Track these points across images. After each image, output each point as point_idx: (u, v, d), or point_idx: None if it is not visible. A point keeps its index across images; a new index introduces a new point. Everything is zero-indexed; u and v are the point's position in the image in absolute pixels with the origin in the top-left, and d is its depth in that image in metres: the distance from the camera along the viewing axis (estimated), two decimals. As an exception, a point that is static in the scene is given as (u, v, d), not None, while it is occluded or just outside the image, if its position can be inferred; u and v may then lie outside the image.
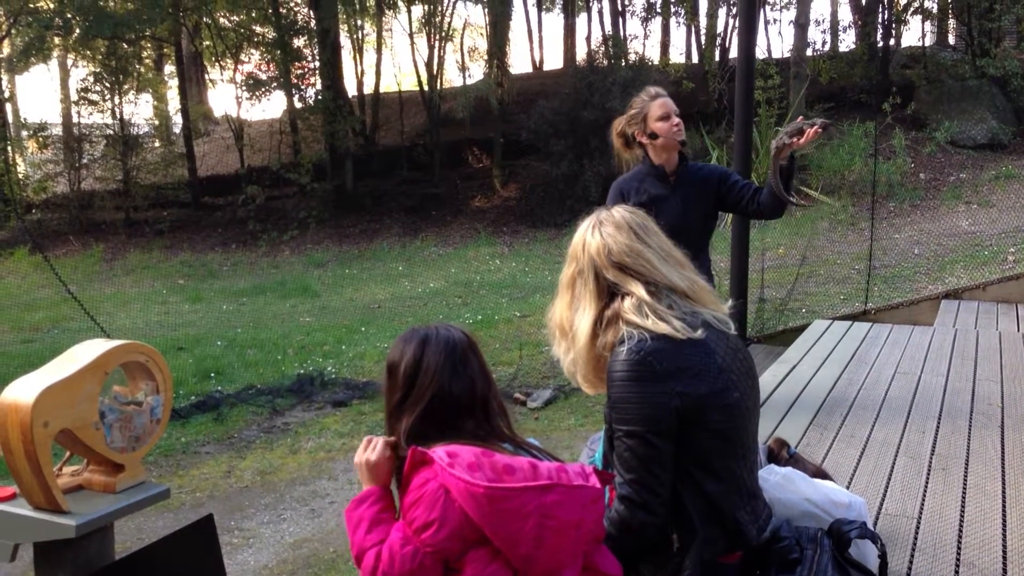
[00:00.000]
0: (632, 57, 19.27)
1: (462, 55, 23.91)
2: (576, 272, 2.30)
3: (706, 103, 18.52)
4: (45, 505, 2.34)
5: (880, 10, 18.62)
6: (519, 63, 32.85)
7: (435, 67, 20.88)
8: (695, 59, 23.08)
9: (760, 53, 18.55)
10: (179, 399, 7.58)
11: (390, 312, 11.49)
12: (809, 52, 17.92)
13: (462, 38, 23.82)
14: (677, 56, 24.08)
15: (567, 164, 16.87)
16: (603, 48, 19.56)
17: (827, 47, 19.90)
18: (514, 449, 2.00)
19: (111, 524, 2.54)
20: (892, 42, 19.13)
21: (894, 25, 19.14)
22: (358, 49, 22.43)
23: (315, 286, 14.04)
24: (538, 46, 28.71)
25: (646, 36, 22.28)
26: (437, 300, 11.93)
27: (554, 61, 30.97)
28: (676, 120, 3.95)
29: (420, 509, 1.84)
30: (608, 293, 2.24)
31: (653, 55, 22.07)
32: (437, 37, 21.16)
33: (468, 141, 20.91)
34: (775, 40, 26.59)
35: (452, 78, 25.77)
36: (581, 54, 21.44)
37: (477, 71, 24.00)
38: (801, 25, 16.54)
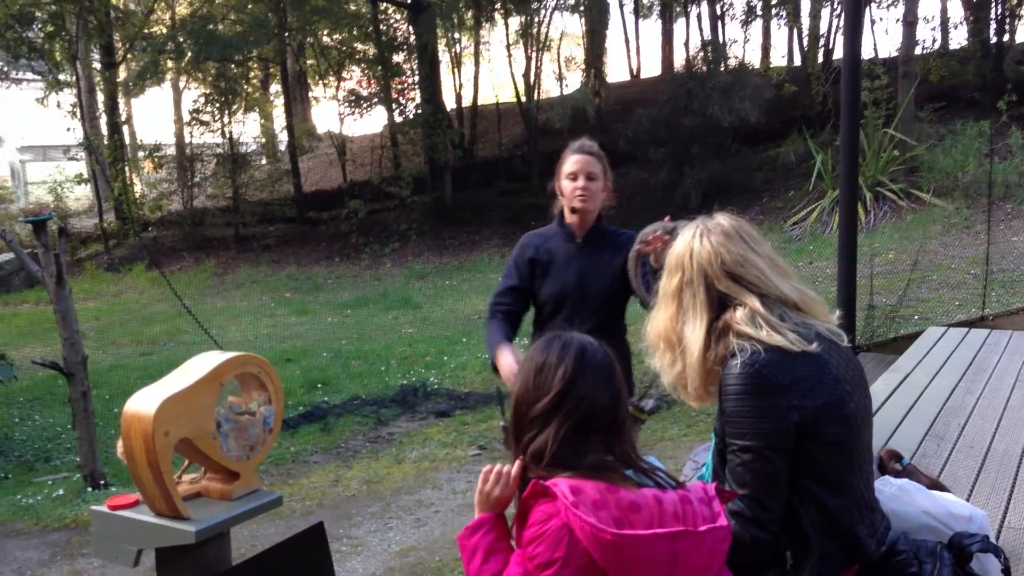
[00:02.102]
0: (732, 62, 18.98)
1: (559, 65, 23.98)
2: (684, 282, 2.22)
3: (809, 106, 18.10)
4: (166, 512, 2.43)
5: (993, 5, 17.88)
6: (616, 71, 32.73)
7: (532, 78, 20.98)
8: (797, 61, 22.59)
9: (866, 53, 18.02)
10: (288, 409, 7.78)
11: (490, 323, 11.54)
12: (918, 50, 17.32)
13: (559, 48, 23.89)
14: (779, 59, 23.62)
15: (666, 172, 16.70)
16: (702, 53, 19.32)
17: (937, 45, 19.24)
18: (636, 477, 1.91)
19: (228, 530, 2.61)
20: (1006, 38, 18.35)
21: (1008, 20, 18.36)
22: (456, 63, 22.74)
23: (416, 298, 14.23)
24: (635, 53, 28.66)
25: (746, 40, 22.11)
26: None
27: (651, 68, 30.74)
28: (581, 183, 3.41)
29: (542, 547, 1.78)
30: (719, 304, 2.18)
31: (753, 59, 21.76)
32: (534, 48, 21.27)
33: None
34: (881, 39, 25.98)
35: (549, 88, 25.88)
36: (679, 60, 21.26)
37: (574, 80, 24.05)
38: (909, 23, 16.00)
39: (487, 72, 26.33)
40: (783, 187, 16.32)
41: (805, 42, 21.72)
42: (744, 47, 21.96)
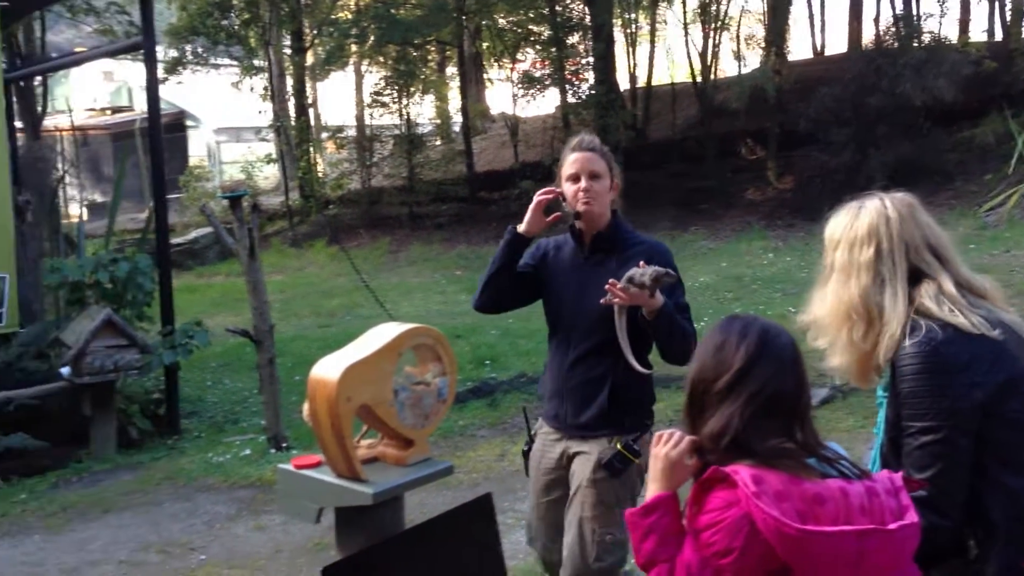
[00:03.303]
0: (926, 38, 17.91)
1: (738, 44, 23.30)
2: (883, 252, 2.09)
3: (1011, 84, 16.85)
4: (346, 473, 2.54)
5: None
6: (798, 49, 31.46)
7: (709, 57, 20.52)
8: (999, 36, 21.07)
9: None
10: (456, 384, 7.96)
11: (659, 305, 11.42)
12: None
13: (738, 26, 23.21)
14: (978, 34, 22.09)
15: (849, 154, 15.98)
16: (893, 29, 18.33)
17: None
18: (819, 466, 1.83)
19: (402, 495, 2.71)
20: None
21: None
22: (631, 43, 22.51)
23: (584, 278, 14.22)
24: (819, 30, 27.47)
25: (943, 14, 20.67)
26: (707, 294, 11.72)
27: (837, 45, 29.43)
28: (585, 184, 3.01)
29: (720, 535, 1.74)
30: (912, 278, 2.08)
31: (950, 34, 20.42)
32: (712, 26, 20.79)
33: (742, 132, 20.38)
34: (1096, 10, 23.71)
35: (726, 68, 25.23)
36: (868, 36, 20.24)
37: (753, 60, 23.31)
38: None
39: (662, 52, 25.96)
40: (979, 170, 15.31)
41: (1008, 16, 20.23)
42: (940, 21, 20.59)
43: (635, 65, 22.55)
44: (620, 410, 2.96)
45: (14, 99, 11.90)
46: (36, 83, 15.96)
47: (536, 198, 3.01)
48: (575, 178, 3.04)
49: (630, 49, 22.48)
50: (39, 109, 16.39)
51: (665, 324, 2.83)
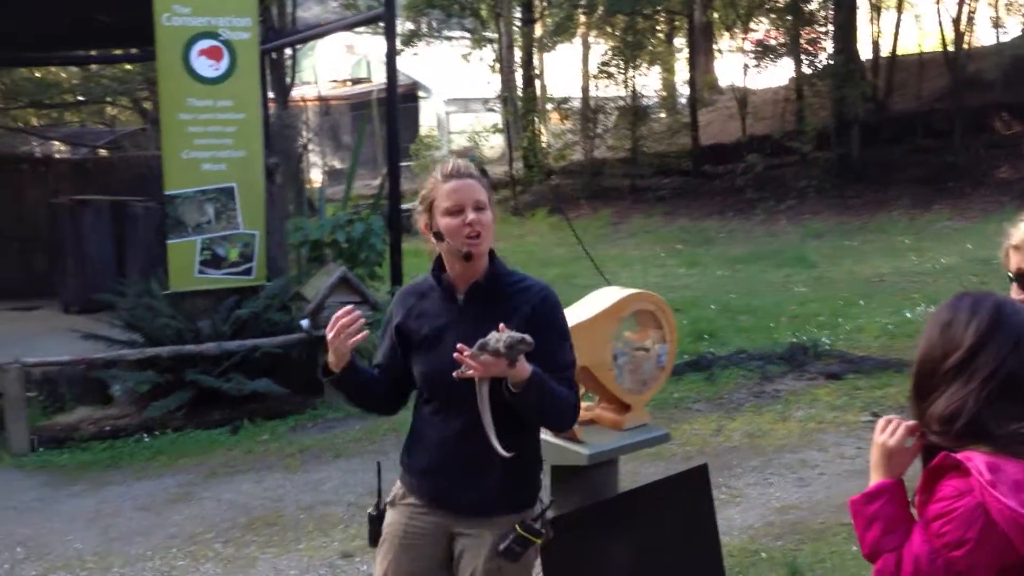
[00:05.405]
0: None
1: (996, 9, 21.40)
2: None
3: None
4: (563, 433, 2.58)
5: None
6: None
7: (962, 24, 18.99)
8: None
9: None
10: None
11: (893, 287, 10.80)
12: None
13: (1002, -11, 21.32)
14: None
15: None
16: None
17: None
18: None
19: (616, 459, 2.72)
20: None
21: None
22: (876, 9, 21.21)
23: (812, 256, 13.67)
24: (1093, -7, 24.71)
25: None
26: (948, 277, 10.95)
27: (1113, 9, 26.35)
28: (471, 217, 2.41)
29: (951, 526, 1.65)
30: None
31: None
32: (967, -10, 19.21)
33: (997, 105, 18.75)
34: None
35: (983, 36, 23.25)
36: None
37: (1014, 27, 21.35)
38: None
39: (909, 19, 24.25)
40: None
41: None
42: None
43: (879, 33, 21.24)
44: (516, 486, 2.46)
45: (267, 70, 12.79)
46: (286, 56, 17.12)
47: (334, 324, 2.38)
48: (457, 211, 2.41)
49: (874, 16, 21.18)
50: (288, 80, 17.58)
51: (534, 398, 2.31)
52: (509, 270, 2.57)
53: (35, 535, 5.12)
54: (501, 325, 2.27)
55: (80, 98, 19.18)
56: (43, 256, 10.91)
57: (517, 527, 2.37)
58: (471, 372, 2.26)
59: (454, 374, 2.29)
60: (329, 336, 2.37)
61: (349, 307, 2.41)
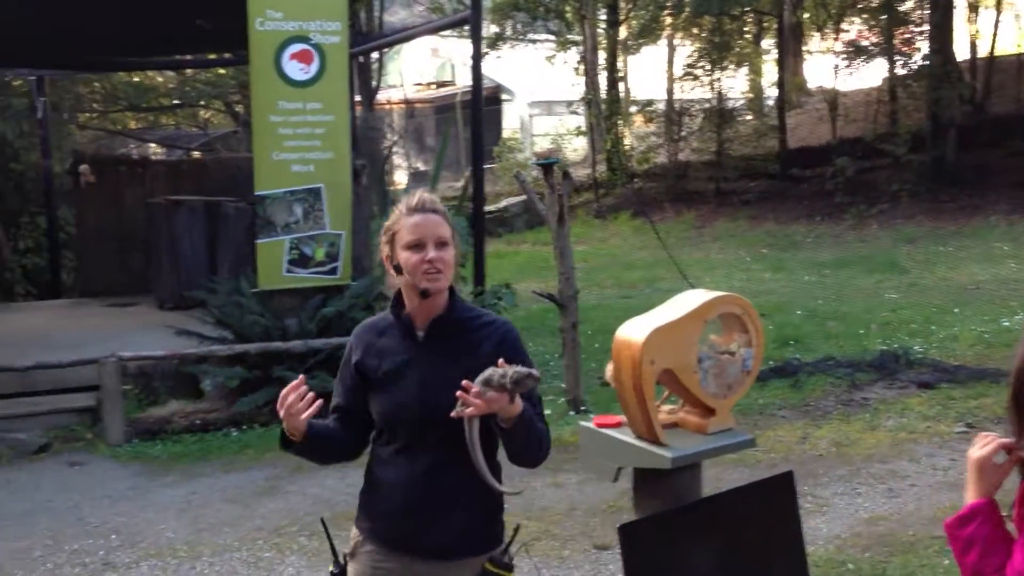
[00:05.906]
0: None
1: (1103, 6, 20.54)
2: None
3: None
4: (646, 436, 2.55)
5: None
6: None
7: (1066, 22, 18.26)
8: None
9: None
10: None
11: (990, 294, 10.44)
12: None
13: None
14: None
15: None
16: None
17: None
18: None
19: (700, 463, 2.68)
20: None
21: None
22: (973, 8, 20.52)
23: (904, 262, 13.31)
24: None
25: None
26: (1048, 287, 10.56)
27: None
28: (432, 254, 2.36)
29: None
30: None
31: None
32: (1072, -13, 18.45)
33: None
34: None
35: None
36: None
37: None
38: None
39: (1009, 19, 23.37)
40: None
41: None
42: None
43: (977, 33, 20.52)
44: (483, 525, 2.42)
45: (354, 73, 13.01)
46: (373, 59, 17.38)
47: (282, 402, 2.31)
48: (418, 246, 2.37)
49: (971, 15, 20.48)
50: (374, 83, 17.85)
51: (522, 432, 2.30)
52: (469, 306, 2.53)
53: (129, 523, 5.30)
54: (501, 360, 2.22)
55: (175, 102, 19.80)
56: (140, 255, 11.34)
57: (487, 565, 2.33)
58: (470, 411, 2.20)
59: (452, 414, 2.22)
60: (281, 414, 2.31)
61: (295, 382, 2.32)
